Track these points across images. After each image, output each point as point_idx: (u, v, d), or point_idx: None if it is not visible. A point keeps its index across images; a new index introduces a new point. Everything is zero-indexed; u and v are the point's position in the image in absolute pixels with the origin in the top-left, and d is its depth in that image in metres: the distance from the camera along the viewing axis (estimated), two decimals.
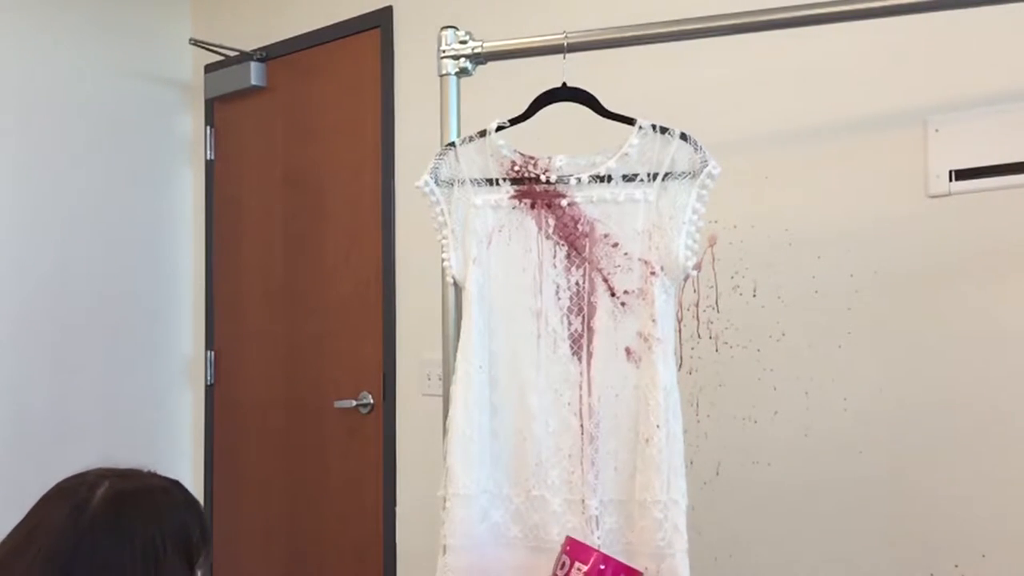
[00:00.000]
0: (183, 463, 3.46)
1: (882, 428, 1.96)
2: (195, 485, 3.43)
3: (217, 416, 3.41)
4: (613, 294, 1.55)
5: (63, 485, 1.16)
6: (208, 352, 3.43)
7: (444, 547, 1.55)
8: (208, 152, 3.45)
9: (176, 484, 1.23)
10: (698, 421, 2.18)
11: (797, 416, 2.07)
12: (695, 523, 1.49)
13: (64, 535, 1.09)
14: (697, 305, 2.20)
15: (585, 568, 1.33)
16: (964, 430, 1.87)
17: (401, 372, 2.84)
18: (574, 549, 1.37)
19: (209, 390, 3.43)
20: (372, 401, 2.91)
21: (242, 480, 3.31)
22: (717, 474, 2.16)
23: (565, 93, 1.63)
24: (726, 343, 2.16)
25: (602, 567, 1.33)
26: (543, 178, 1.59)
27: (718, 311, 2.17)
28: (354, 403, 2.95)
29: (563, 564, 1.36)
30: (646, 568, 1.45)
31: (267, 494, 3.21)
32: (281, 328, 3.20)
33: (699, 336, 2.20)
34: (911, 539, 1.92)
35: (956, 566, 1.86)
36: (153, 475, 1.23)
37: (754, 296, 2.13)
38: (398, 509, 2.82)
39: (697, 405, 2.18)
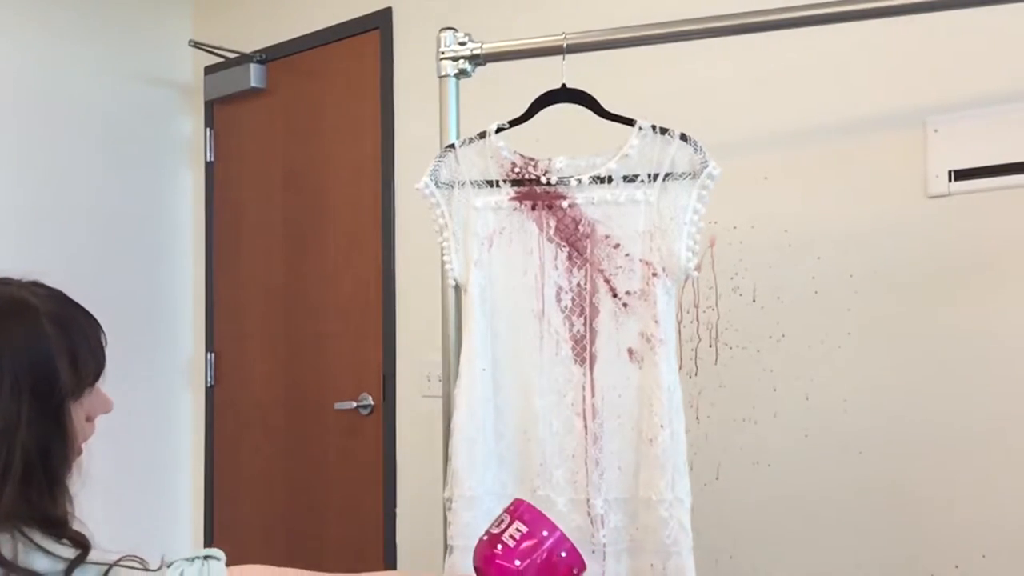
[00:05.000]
0: (183, 465, 3.46)
1: (882, 429, 1.96)
2: (195, 486, 3.43)
3: (217, 418, 3.41)
4: (615, 295, 1.55)
5: None
6: (208, 354, 3.43)
7: (451, 548, 1.55)
8: (208, 154, 3.45)
9: (49, 299, 1.03)
10: (698, 422, 2.18)
11: (797, 417, 2.07)
12: (695, 524, 1.49)
13: None
14: (697, 306, 2.20)
15: (525, 530, 1.19)
16: (964, 430, 1.87)
17: (401, 374, 2.84)
18: (517, 510, 1.23)
19: (209, 391, 3.42)
20: (372, 402, 2.91)
21: (242, 482, 3.31)
22: (717, 477, 2.16)
23: (565, 94, 1.63)
24: (726, 344, 2.16)
25: (545, 534, 1.19)
26: (543, 180, 1.59)
27: (718, 312, 2.17)
28: (354, 404, 2.95)
29: (500, 522, 1.24)
30: (651, 565, 1.45)
31: (267, 496, 3.21)
32: (281, 329, 3.20)
33: (699, 337, 2.20)
34: (911, 539, 1.92)
35: (956, 567, 1.87)
36: (27, 288, 1.04)
37: (754, 299, 2.13)
38: (398, 510, 2.82)
39: (697, 407, 2.18)
